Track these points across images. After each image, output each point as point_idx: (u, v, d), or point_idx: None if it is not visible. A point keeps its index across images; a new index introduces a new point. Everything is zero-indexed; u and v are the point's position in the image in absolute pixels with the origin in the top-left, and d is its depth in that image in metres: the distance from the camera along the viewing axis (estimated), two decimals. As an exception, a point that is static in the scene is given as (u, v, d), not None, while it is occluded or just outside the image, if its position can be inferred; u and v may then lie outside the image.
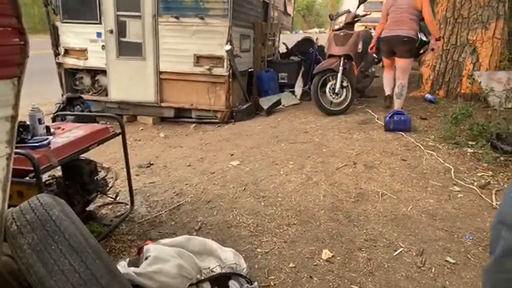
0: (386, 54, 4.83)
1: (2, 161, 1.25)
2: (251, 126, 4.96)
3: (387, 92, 5.04)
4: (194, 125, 5.26)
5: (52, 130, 2.18)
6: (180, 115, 5.49)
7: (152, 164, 3.71)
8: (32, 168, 1.77)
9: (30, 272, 1.10)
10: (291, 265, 2.09)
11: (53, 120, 2.66)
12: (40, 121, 2.04)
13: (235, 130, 4.84)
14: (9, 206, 1.35)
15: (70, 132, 2.21)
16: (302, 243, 2.29)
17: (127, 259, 1.68)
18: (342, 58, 4.82)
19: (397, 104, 4.75)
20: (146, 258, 1.60)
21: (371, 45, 4.94)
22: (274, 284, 1.94)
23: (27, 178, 1.82)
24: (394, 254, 2.18)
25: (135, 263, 1.66)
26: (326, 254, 2.18)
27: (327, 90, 4.93)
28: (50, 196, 1.31)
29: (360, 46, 5.04)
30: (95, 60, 5.51)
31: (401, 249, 2.22)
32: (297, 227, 2.46)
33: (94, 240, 1.23)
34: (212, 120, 5.32)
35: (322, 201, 2.79)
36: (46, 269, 1.09)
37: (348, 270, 2.05)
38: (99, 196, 2.67)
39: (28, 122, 2.03)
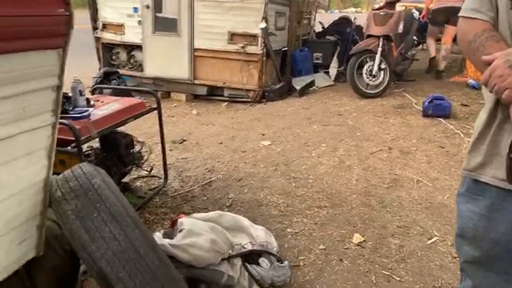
0: (440, 23, 5.44)
1: (48, 129, 1.29)
2: (283, 106, 4.91)
3: (432, 54, 5.89)
4: (226, 103, 5.26)
5: (92, 102, 2.24)
6: (213, 93, 5.50)
7: (185, 140, 3.76)
8: (73, 138, 1.83)
9: (74, 237, 1.14)
10: (321, 247, 2.09)
11: (92, 92, 2.72)
12: (81, 93, 2.10)
13: (267, 110, 4.81)
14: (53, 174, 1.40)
15: (109, 105, 2.25)
16: (333, 226, 2.27)
17: (162, 231, 1.72)
18: (381, 39, 4.63)
19: (443, 65, 5.67)
20: (180, 231, 1.63)
21: (423, 13, 5.61)
22: (304, 265, 1.95)
23: (69, 147, 1.89)
24: (428, 242, 2.12)
25: (169, 235, 1.70)
26: (357, 238, 2.15)
27: (363, 71, 4.78)
28: (92, 166, 1.35)
29: (401, 26, 4.82)
30: (131, 35, 5.57)
31: (436, 238, 2.16)
32: (328, 210, 2.44)
33: (132, 210, 1.26)
34: (244, 99, 5.30)
35: (354, 185, 2.74)
36: (88, 235, 1.12)
37: (379, 255, 2.02)
38: (134, 168, 2.74)
39: (70, 94, 2.09)
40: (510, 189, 0.94)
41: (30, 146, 1.22)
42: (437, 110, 3.98)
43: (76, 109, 2.04)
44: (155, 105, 2.51)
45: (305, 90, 5.53)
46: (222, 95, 5.46)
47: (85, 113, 1.99)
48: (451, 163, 3.06)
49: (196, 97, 5.54)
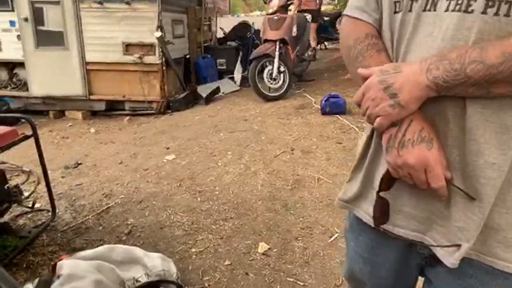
0: None
1: None
2: (189, 116, 4.79)
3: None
4: (128, 117, 4.97)
5: None
6: (113, 108, 5.16)
7: (80, 163, 3.44)
8: None
9: None
10: (226, 262, 2.02)
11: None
12: None
13: (172, 121, 4.65)
14: None
15: (-33, 138, 1.93)
16: (239, 238, 2.23)
17: (36, 280, 1.50)
18: (277, 43, 4.77)
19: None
20: (59, 277, 1.44)
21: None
22: (209, 285, 1.87)
23: None
24: (329, 240, 2.19)
25: (47, 282, 1.49)
26: (262, 247, 2.13)
27: (264, 75, 4.88)
28: None
29: (294, 29, 5.01)
30: (11, 51, 4.99)
31: (336, 234, 2.23)
32: (234, 221, 2.40)
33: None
34: (148, 112, 5.06)
35: (259, 191, 2.74)
36: None
37: (284, 262, 2.02)
38: (14, 205, 2.41)
39: None
40: (387, 230, 0.79)
41: None
42: (334, 108, 4.21)
43: None
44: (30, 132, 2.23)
45: (211, 97, 5.48)
46: (124, 109, 5.16)
47: None
48: (349, 157, 3.23)
49: (94, 114, 5.15)
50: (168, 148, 3.67)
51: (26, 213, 2.57)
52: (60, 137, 4.29)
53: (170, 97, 5.16)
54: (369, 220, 0.83)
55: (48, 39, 4.82)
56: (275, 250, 2.12)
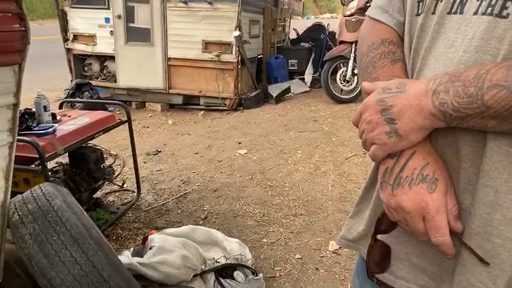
0: None
1: (4, 149, 1.23)
2: (260, 114, 4.91)
3: None
4: (202, 112, 5.23)
5: (58, 117, 2.17)
6: (189, 102, 5.45)
7: (160, 151, 3.70)
8: (37, 156, 1.77)
9: (32, 263, 1.09)
10: (297, 256, 2.07)
11: (60, 107, 2.64)
12: (45, 108, 2.03)
13: (243, 118, 4.80)
14: (16, 193, 1.34)
15: (76, 120, 2.19)
16: (309, 234, 2.27)
17: (131, 249, 1.67)
18: (353, 45, 4.71)
19: None
20: (151, 248, 1.59)
21: None
22: (280, 275, 1.93)
23: (33, 165, 1.82)
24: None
25: (139, 252, 1.66)
26: (333, 245, 2.15)
27: (337, 77, 4.85)
28: (53, 186, 1.30)
29: (372, 32, 4.91)
30: (103, 46, 5.47)
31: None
32: (304, 218, 2.44)
33: (96, 231, 1.21)
34: (220, 108, 5.28)
35: (330, 192, 2.75)
36: (47, 260, 1.08)
37: (355, 262, 2.02)
38: (106, 183, 2.68)
39: (33, 109, 2.02)
40: (385, 283, 0.64)
41: (-16, 168, 1.17)
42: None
43: (40, 125, 1.97)
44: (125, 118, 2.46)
45: (281, 97, 5.56)
46: (198, 104, 5.42)
47: (49, 129, 1.92)
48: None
49: (171, 107, 5.48)
50: (240, 143, 3.81)
51: (115, 191, 2.84)
52: (141, 126, 4.63)
53: (242, 94, 5.33)
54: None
55: (137, 35, 5.23)
56: (345, 250, 2.12)
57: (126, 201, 2.72)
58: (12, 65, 1.22)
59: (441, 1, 0.55)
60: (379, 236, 0.63)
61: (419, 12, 0.60)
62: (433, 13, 0.57)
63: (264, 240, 2.22)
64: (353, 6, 4.92)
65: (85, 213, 1.29)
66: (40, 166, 1.77)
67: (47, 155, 1.80)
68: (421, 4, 0.59)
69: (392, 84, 0.55)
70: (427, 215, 0.51)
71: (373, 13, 0.70)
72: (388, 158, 0.55)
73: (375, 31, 0.69)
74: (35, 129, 1.92)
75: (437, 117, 0.49)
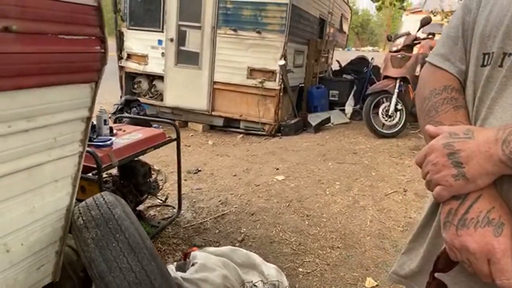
0: None
1: (75, 158, 1.34)
2: (298, 141, 4.95)
3: None
4: (241, 135, 5.34)
5: (114, 131, 2.31)
6: (229, 125, 5.60)
7: (200, 170, 3.80)
8: (94, 166, 1.88)
9: (92, 266, 1.16)
10: (333, 289, 2.04)
11: (115, 121, 2.81)
12: (105, 122, 2.17)
13: (282, 144, 4.85)
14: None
15: (131, 135, 2.32)
16: (346, 268, 2.23)
17: (175, 263, 1.72)
18: (398, 80, 4.70)
19: None
20: (193, 265, 1.64)
21: None
22: (315, 307, 1.91)
23: (89, 174, 1.94)
24: (444, 291, 2.06)
25: (182, 268, 1.70)
26: (370, 282, 2.10)
27: (380, 111, 4.83)
28: (113, 195, 1.39)
29: (418, 69, 4.88)
30: (154, 66, 5.78)
31: None
32: (341, 251, 2.41)
33: (150, 242, 1.28)
34: (259, 132, 5.37)
35: (368, 227, 2.71)
36: (106, 265, 1.14)
37: (393, 302, 1.97)
38: (149, 197, 2.78)
39: (94, 122, 2.17)
40: None
41: (57, 174, 1.27)
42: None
43: (99, 137, 2.11)
44: (174, 135, 2.58)
45: (320, 127, 5.59)
46: (238, 127, 5.55)
47: (107, 142, 2.05)
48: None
49: (212, 128, 5.65)
50: (277, 169, 3.84)
51: (156, 206, 2.93)
52: (183, 145, 4.79)
53: (281, 121, 5.41)
54: None
55: (186, 58, 5.50)
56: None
57: (166, 216, 2.80)
58: (90, 82, 1.35)
59: (509, 56, 0.58)
60: (436, 274, 0.64)
61: (485, 63, 0.63)
62: (501, 65, 0.59)
63: (300, 269, 2.21)
64: (399, 43, 4.94)
65: (139, 224, 1.36)
66: (96, 176, 1.89)
67: (103, 166, 1.91)
68: (486, 56, 0.62)
69: (459, 129, 0.58)
70: (493, 257, 0.52)
71: (434, 60, 0.74)
72: (452, 200, 0.57)
73: (437, 77, 0.73)
74: (95, 140, 2.06)
75: (506, 165, 0.51)
